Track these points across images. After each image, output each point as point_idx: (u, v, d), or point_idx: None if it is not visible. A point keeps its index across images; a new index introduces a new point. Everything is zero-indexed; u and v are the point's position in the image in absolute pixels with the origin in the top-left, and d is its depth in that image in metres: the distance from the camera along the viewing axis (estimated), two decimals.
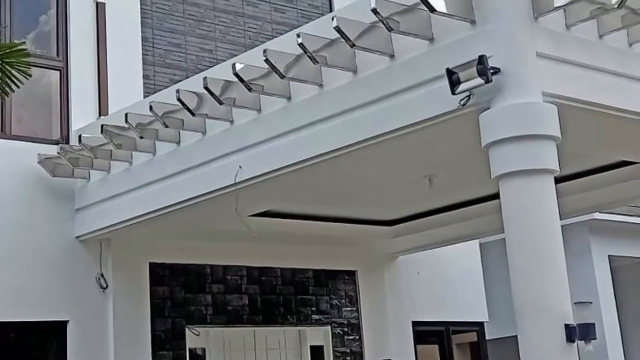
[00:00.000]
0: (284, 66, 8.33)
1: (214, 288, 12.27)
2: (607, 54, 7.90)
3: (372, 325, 13.67)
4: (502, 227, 7.23)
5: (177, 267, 12.02)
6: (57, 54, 11.81)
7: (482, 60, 7.03)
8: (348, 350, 13.36)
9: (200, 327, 12.06)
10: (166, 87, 11.21)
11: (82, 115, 11.55)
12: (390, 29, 7.53)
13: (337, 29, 7.70)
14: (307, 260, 13.12)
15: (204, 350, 12.29)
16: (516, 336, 7.07)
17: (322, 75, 8.53)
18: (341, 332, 13.38)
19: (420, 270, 14.47)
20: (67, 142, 11.37)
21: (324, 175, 9.38)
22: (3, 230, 10.80)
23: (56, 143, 11.27)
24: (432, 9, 7.20)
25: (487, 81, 7.06)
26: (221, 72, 9.09)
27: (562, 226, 7.23)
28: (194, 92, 9.30)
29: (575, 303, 7.32)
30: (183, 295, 12.00)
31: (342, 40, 7.82)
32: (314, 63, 8.14)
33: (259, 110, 9.17)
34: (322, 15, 13.31)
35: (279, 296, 12.86)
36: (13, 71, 8.88)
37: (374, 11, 7.35)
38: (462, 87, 7.18)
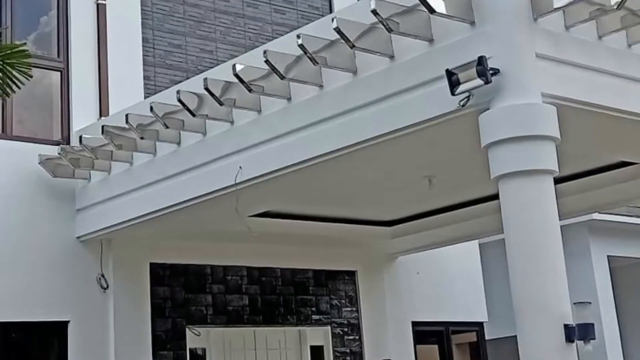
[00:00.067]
0: (284, 67, 8.35)
1: (215, 288, 12.29)
2: (606, 55, 7.91)
3: (372, 325, 13.68)
4: (502, 228, 7.25)
5: (177, 267, 12.04)
6: (58, 55, 11.83)
7: (481, 61, 7.05)
8: (348, 350, 13.38)
9: (201, 327, 12.08)
10: (167, 87, 11.23)
11: (83, 116, 11.57)
12: (390, 30, 7.55)
13: (337, 30, 7.72)
14: (307, 260, 13.14)
15: (204, 350, 12.31)
16: (515, 336, 7.08)
17: (322, 76, 8.55)
18: (341, 332, 13.40)
19: (419, 270, 14.49)
20: (68, 143, 11.39)
21: (324, 176, 9.40)
22: (4, 230, 10.81)
23: (57, 144, 11.29)
24: (431, 10, 7.21)
25: (487, 82, 7.08)
26: (221, 73, 9.11)
27: (561, 226, 7.24)
28: (194, 93, 9.32)
29: (574, 303, 7.33)
30: (183, 295, 12.02)
31: (342, 41, 7.84)
32: (314, 64, 8.16)
33: (259, 111, 9.19)
34: (322, 16, 13.31)
35: (279, 296, 12.88)
36: (14, 72, 8.89)
37: (374, 12, 7.37)
38: (461, 87, 7.20)
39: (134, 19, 12.48)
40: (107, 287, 11.36)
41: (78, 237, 11.30)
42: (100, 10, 12.09)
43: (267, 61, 8.28)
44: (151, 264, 11.79)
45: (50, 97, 11.80)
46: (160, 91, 11.17)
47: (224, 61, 11.07)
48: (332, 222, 12.59)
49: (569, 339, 6.88)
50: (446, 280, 14.77)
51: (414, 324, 14.26)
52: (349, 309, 13.57)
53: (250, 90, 8.72)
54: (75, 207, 11.36)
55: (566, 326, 6.89)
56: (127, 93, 11.81)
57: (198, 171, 9.81)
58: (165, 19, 12.86)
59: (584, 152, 9.56)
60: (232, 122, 9.45)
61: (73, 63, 11.77)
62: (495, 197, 7.44)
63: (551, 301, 6.94)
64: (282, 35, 11.32)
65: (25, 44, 9.72)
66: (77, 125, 11.48)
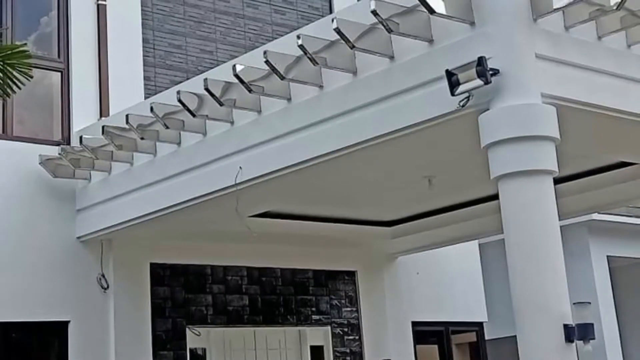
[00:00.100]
0: (284, 67, 8.36)
1: (215, 288, 12.30)
2: (605, 56, 7.92)
3: (371, 325, 13.69)
4: (502, 228, 7.26)
5: (177, 267, 12.05)
6: (59, 56, 11.85)
7: (481, 61, 7.06)
8: (348, 350, 13.39)
9: (201, 327, 12.09)
10: (167, 88, 11.24)
11: (83, 117, 11.58)
12: (389, 31, 7.56)
13: (337, 31, 7.73)
14: (307, 260, 13.15)
15: (204, 350, 12.32)
16: (515, 336, 7.09)
17: (322, 77, 8.56)
18: (341, 332, 13.41)
19: (419, 270, 14.50)
20: (68, 143, 11.40)
21: (324, 176, 9.41)
22: (4, 230, 10.83)
23: (57, 144, 11.30)
24: (431, 11, 7.22)
25: (487, 82, 7.09)
26: (222, 74, 9.12)
27: (561, 227, 7.25)
28: (194, 94, 9.33)
29: (574, 303, 7.34)
30: (184, 295, 12.03)
31: (342, 41, 7.85)
32: (314, 64, 8.17)
33: (259, 112, 9.20)
34: (322, 16, 13.33)
35: (279, 296, 12.90)
36: (14, 72, 8.90)
37: (374, 13, 7.38)
38: (461, 88, 7.21)
39: (134, 20, 12.49)
40: (108, 287, 11.37)
41: (78, 237, 11.31)
42: (101, 10, 12.10)
43: (267, 62, 8.29)
44: (151, 264, 11.81)
45: (51, 97, 11.81)
46: (161, 91, 11.18)
47: (224, 62, 11.08)
48: (332, 222, 12.60)
49: (569, 339, 6.89)
50: (446, 280, 14.78)
51: (414, 324, 14.28)
52: (349, 309, 13.58)
53: (250, 91, 8.73)
54: (76, 207, 11.37)
55: (566, 326, 6.90)
56: (128, 93, 11.83)
57: (198, 171, 9.82)
58: (166, 19, 12.87)
59: (584, 152, 9.57)
60: (232, 123, 9.46)
61: (73, 63, 11.78)
62: (495, 197, 7.45)
63: (551, 301, 6.95)
64: (282, 35, 11.33)
65: (25, 44, 9.73)
66: (77, 125, 11.49)
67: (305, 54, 8.06)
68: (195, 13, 13.16)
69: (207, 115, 9.43)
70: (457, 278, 14.94)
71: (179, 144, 10.09)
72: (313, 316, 13.19)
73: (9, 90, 9.02)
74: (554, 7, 7.30)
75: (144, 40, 12.55)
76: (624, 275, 18.45)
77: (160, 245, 11.77)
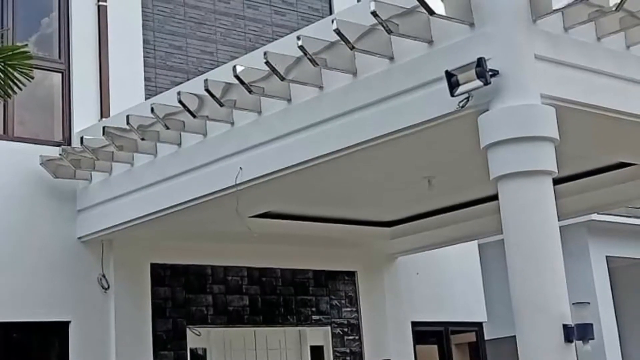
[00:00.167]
0: (284, 68, 8.37)
1: (215, 288, 12.32)
2: (604, 57, 7.93)
3: (371, 325, 13.71)
4: (501, 228, 7.27)
5: (178, 267, 12.07)
6: (59, 57, 11.86)
7: (480, 62, 7.07)
8: (348, 351, 13.41)
9: (201, 327, 12.11)
10: (167, 89, 11.25)
11: (84, 117, 11.60)
12: (389, 32, 7.57)
13: (337, 32, 7.75)
14: (307, 261, 13.17)
15: (204, 350, 12.34)
16: (515, 336, 7.10)
17: (322, 78, 8.58)
18: (341, 332, 13.43)
19: (419, 271, 14.52)
20: (69, 144, 11.42)
21: (324, 177, 9.43)
22: (5, 231, 10.84)
23: (58, 145, 11.32)
24: (431, 12, 7.24)
25: (486, 83, 7.10)
26: (222, 75, 9.13)
27: (560, 227, 7.26)
28: (195, 94, 9.35)
29: (573, 303, 7.34)
30: (184, 295, 12.05)
31: (342, 42, 7.87)
32: (314, 65, 8.19)
33: (260, 112, 9.21)
34: (322, 18, 13.36)
35: (280, 297, 12.91)
36: (15, 73, 8.91)
37: (374, 14, 7.39)
38: (461, 89, 7.22)
39: (134, 21, 12.51)
40: (108, 287, 11.39)
41: (79, 238, 11.33)
42: (102, 11, 12.12)
43: (267, 62, 8.31)
44: (152, 265, 11.83)
45: (52, 98, 11.83)
46: (161, 92, 11.19)
47: (225, 62, 11.10)
48: (332, 222, 12.62)
49: (568, 339, 6.90)
50: (446, 280, 14.80)
51: (414, 324, 14.29)
52: (348, 309, 13.60)
53: (250, 92, 8.74)
54: (76, 208, 11.39)
55: (565, 326, 6.91)
56: (128, 94, 11.84)
57: (198, 172, 9.84)
58: (166, 20, 12.89)
59: (583, 153, 9.58)
60: (232, 123, 9.47)
61: (74, 64, 11.80)
62: (495, 197, 7.46)
63: (550, 301, 6.96)
64: (282, 36, 11.35)
65: (26, 45, 9.77)
66: (78, 126, 11.51)
67: (306, 54, 8.07)
68: (195, 14, 13.18)
69: (207, 116, 9.44)
70: (457, 278, 14.96)
71: (179, 144, 10.10)
72: (313, 316, 13.20)
73: (10, 91, 9.03)
74: (554, 8, 7.31)
75: (145, 41, 12.57)
76: (623, 276, 18.47)
77: (160, 246, 11.79)
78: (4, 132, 11.25)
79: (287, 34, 11.21)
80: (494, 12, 7.37)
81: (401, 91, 7.91)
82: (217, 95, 8.97)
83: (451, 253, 14.62)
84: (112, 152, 10.62)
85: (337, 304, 13.50)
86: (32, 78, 9.18)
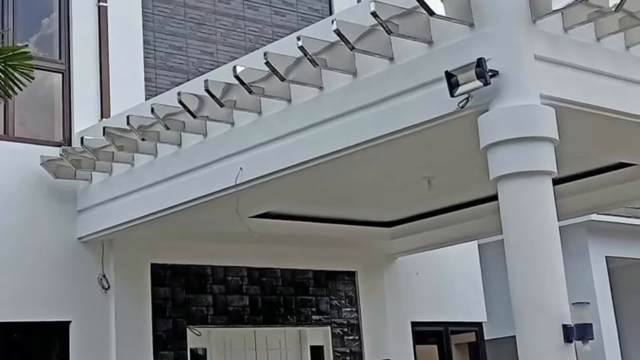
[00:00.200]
0: (284, 69, 8.38)
1: (215, 289, 12.33)
2: (604, 57, 7.94)
3: (371, 325, 13.72)
4: (501, 229, 7.28)
5: (178, 267, 12.07)
6: (60, 57, 11.87)
7: (480, 62, 7.08)
8: (348, 351, 13.42)
9: (201, 327, 12.12)
10: (167, 89, 11.27)
11: (84, 118, 11.61)
12: (389, 32, 7.58)
13: (337, 32, 7.75)
14: (307, 261, 13.17)
15: (205, 350, 12.35)
16: (514, 336, 7.11)
17: (322, 78, 8.58)
18: (341, 333, 13.44)
19: (419, 271, 14.53)
20: (70, 144, 11.43)
21: (324, 177, 9.43)
22: (5, 231, 10.85)
23: (58, 145, 11.33)
24: (431, 12, 7.25)
25: (486, 84, 7.11)
26: (222, 75, 9.14)
27: (560, 227, 7.27)
28: (195, 95, 9.36)
29: (572, 303, 7.35)
30: (184, 295, 12.05)
31: (342, 43, 7.88)
32: (314, 66, 8.20)
33: (260, 113, 9.22)
34: (322, 18, 13.38)
35: (280, 297, 12.92)
36: (16, 74, 8.91)
37: (374, 14, 7.40)
38: (460, 89, 7.23)
39: (135, 21, 12.52)
40: (109, 287, 11.40)
41: (79, 238, 11.34)
42: (102, 12, 12.13)
43: (267, 63, 8.31)
44: (152, 265, 11.83)
45: (52, 98, 11.84)
46: (161, 93, 11.20)
47: (225, 63, 11.11)
48: (332, 222, 12.62)
49: (568, 339, 6.91)
50: (445, 280, 14.81)
51: (414, 324, 14.30)
52: (348, 309, 13.61)
53: (250, 92, 8.75)
54: (77, 208, 11.40)
55: (565, 326, 6.92)
56: (128, 95, 11.86)
57: (199, 172, 9.84)
58: (166, 21, 12.90)
59: (583, 153, 9.59)
60: (232, 124, 9.48)
61: (74, 65, 11.80)
62: (495, 198, 7.47)
63: (550, 301, 6.97)
64: (282, 37, 11.35)
65: (27, 45, 9.78)
66: (78, 126, 11.52)
67: (306, 55, 8.08)
68: (195, 15, 13.19)
69: (207, 116, 9.45)
70: (457, 278, 14.97)
71: (179, 144, 10.11)
72: (313, 316, 13.21)
73: (10, 91, 9.03)
74: (553, 9, 7.32)
75: (145, 42, 12.58)
76: (622, 276, 18.48)
77: (161, 246, 11.80)
78: (5, 133, 11.26)
79: (287, 34, 11.21)
80: (494, 12, 7.38)
81: (401, 91, 7.92)
82: (217, 96, 8.98)
83: (451, 253, 14.63)
84: (113, 152, 10.62)
85: (337, 304, 13.51)
86: (33, 78, 9.18)
